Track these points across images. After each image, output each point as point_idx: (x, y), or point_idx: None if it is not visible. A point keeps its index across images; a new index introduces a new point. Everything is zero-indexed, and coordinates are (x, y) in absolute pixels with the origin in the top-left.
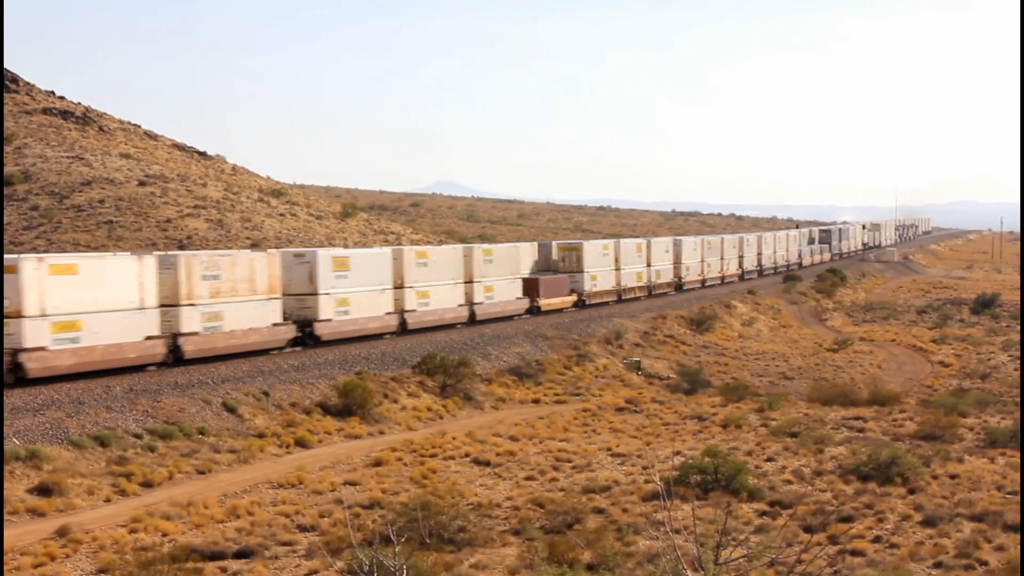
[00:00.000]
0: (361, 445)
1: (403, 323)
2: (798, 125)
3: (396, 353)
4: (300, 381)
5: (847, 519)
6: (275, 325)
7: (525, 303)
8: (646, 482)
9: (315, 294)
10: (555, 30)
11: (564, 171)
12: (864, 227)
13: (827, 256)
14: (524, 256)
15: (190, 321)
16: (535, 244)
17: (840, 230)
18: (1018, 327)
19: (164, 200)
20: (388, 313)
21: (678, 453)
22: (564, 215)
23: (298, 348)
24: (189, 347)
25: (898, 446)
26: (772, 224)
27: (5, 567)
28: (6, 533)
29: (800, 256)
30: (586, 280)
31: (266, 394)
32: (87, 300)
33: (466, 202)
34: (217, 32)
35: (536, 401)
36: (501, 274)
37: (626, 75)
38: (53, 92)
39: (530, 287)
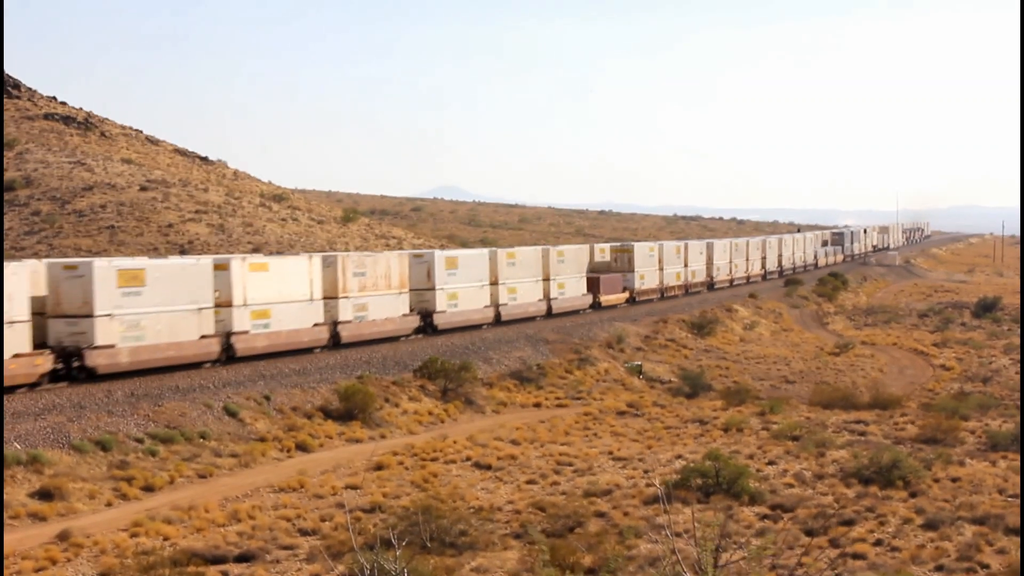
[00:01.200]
0: (362, 449)
1: (498, 315)
2: (799, 129)
3: (397, 357)
4: (301, 385)
5: (848, 522)
6: (404, 315)
7: (589, 299)
8: (647, 486)
9: (432, 289)
10: (556, 35)
11: (565, 175)
12: (874, 230)
13: (840, 257)
14: (585, 257)
15: (345, 311)
16: (587, 246)
17: (852, 233)
18: (1019, 331)
19: (166, 205)
20: (486, 306)
21: (679, 457)
22: (566, 219)
23: (420, 336)
24: (345, 333)
25: (899, 449)
26: (773, 228)
27: (6, 571)
28: (7, 537)
29: (816, 257)
30: (636, 279)
31: (267, 398)
32: (274, 293)
33: (468, 207)
34: (218, 37)
35: (537, 405)
36: (571, 272)
37: (628, 80)
38: (55, 98)
39: (592, 284)
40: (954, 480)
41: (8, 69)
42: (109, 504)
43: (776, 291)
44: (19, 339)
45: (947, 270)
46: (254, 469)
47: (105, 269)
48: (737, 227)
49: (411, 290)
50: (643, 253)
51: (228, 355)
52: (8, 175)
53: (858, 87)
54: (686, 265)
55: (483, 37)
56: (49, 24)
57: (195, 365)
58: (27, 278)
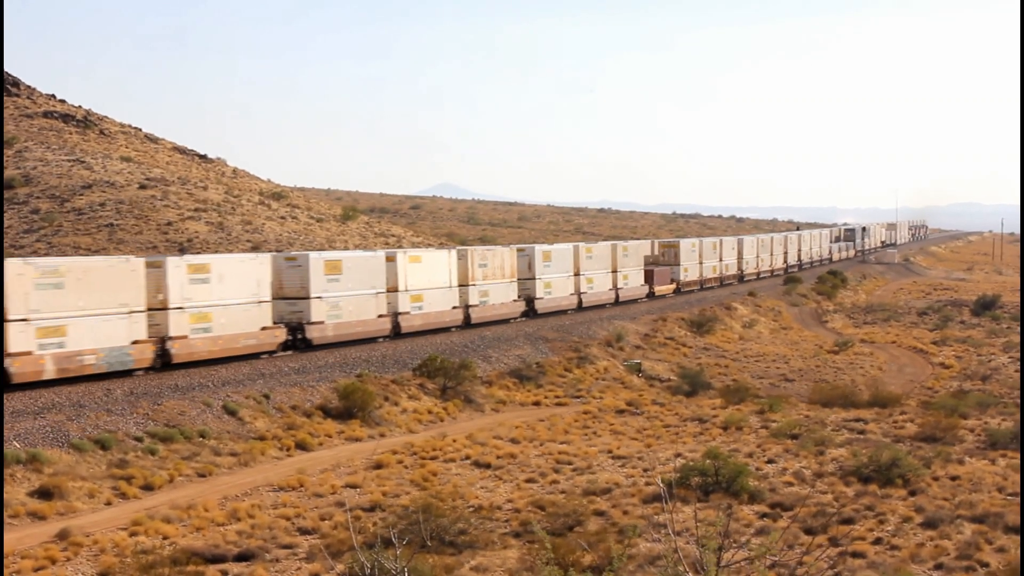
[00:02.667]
0: (362, 448)
1: (580, 302)
2: (798, 127)
3: (396, 355)
4: (301, 384)
5: (848, 521)
6: (514, 301)
7: (646, 289)
8: (647, 484)
9: (533, 278)
10: (555, 33)
11: (564, 174)
12: (882, 226)
13: (852, 252)
14: (644, 252)
15: (473, 296)
16: (648, 242)
17: (863, 229)
18: (1019, 329)
19: (165, 203)
20: (571, 294)
21: (679, 455)
22: (565, 217)
23: (524, 318)
24: (475, 315)
25: (899, 448)
26: (772, 226)
27: (6, 570)
28: (7, 536)
29: (830, 252)
30: (681, 271)
31: (267, 397)
32: (426, 280)
33: (466, 204)
34: (218, 36)
35: (537, 403)
36: (633, 265)
37: (627, 78)
38: (54, 95)
39: (647, 276)
40: (953, 478)
41: (7, 67)
42: (108, 503)
43: (775, 289)
44: (264, 316)
45: (946, 268)
46: (253, 468)
47: (316, 260)
48: (736, 225)
49: (518, 279)
50: (687, 249)
51: (395, 332)
52: (7, 173)
53: (857, 86)
54: (720, 259)
55: (482, 35)
56: (48, 22)
57: (372, 340)
58: (270, 266)
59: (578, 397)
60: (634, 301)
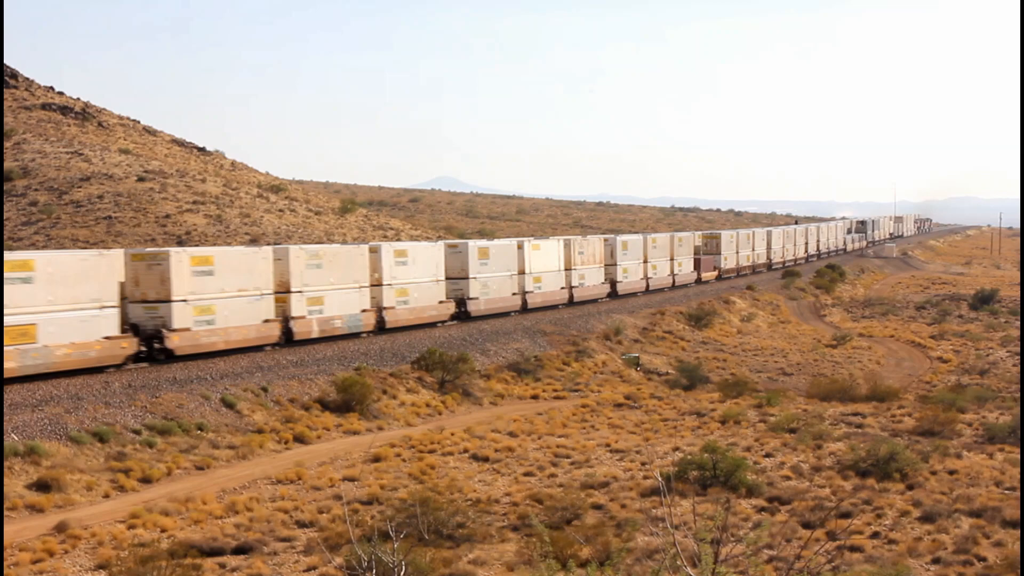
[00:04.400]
0: (360, 441)
1: (647, 285)
2: (796, 121)
3: (395, 348)
4: (299, 377)
5: (846, 515)
6: (601, 283)
7: (694, 275)
8: (645, 478)
9: (615, 264)
10: (555, 26)
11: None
12: (890, 219)
13: (864, 243)
14: (693, 243)
15: (575, 279)
16: (694, 233)
17: (873, 221)
18: (1017, 323)
19: (163, 196)
20: (641, 279)
21: (677, 449)
22: (563, 210)
23: (609, 299)
24: (576, 295)
25: (897, 442)
26: (771, 220)
27: (4, 563)
28: (5, 529)
29: (845, 243)
30: (722, 260)
31: (265, 390)
32: (542, 265)
33: (465, 198)
34: (216, 27)
35: (535, 397)
36: (684, 254)
37: (626, 71)
38: (52, 87)
39: (696, 264)
40: (951, 473)
41: (5, 59)
42: (106, 496)
43: (773, 283)
44: (440, 292)
45: (944, 262)
46: (251, 461)
47: (472, 247)
48: (735, 219)
49: (604, 265)
50: (727, 240)
51: (524, 308)
52: (5, 165)
53: (855, 80)
54: (753, 249)
55: (481, 27)
56: (47, 13)
57: (507, 314)
58: (443, 252)
59: (576, 391)
60: (685, 285)
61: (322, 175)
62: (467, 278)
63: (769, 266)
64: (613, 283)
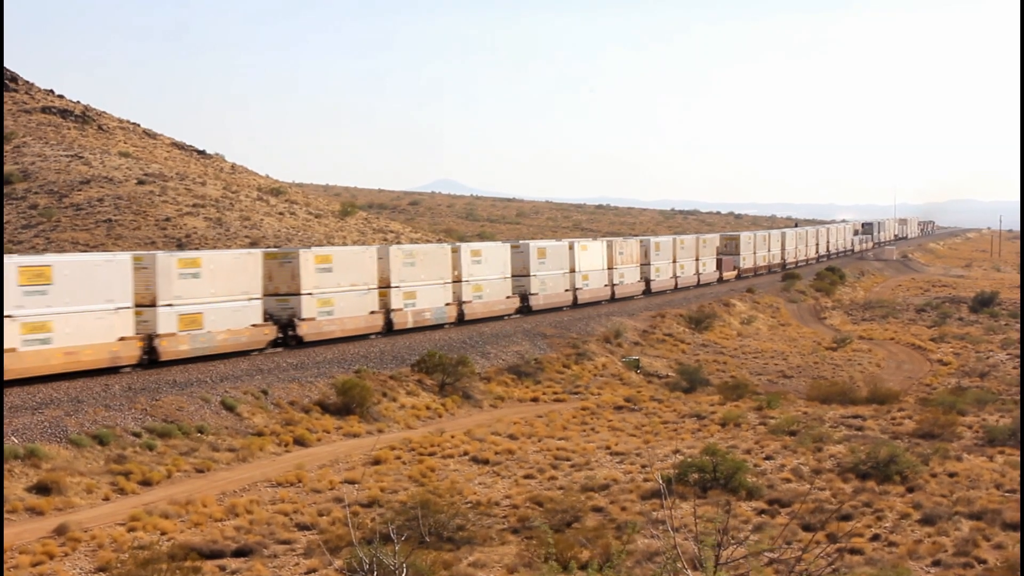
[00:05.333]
0: (360, 443)
1: (676, 283)
2: (796, 124)
3: (395, 351)
4: (299, 379)
5: (846, 517)
6: (637, 282)
7: (716, 275)
8: (645, 480)
9: (649, 264)
10: (554, 28)
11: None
12: (895, 221)
13: (870, 244)
14: (716, 243)
15: (616, 277)
16: (717, 235)
17: (879, 223)
18: (1017, 325)
19: (163, 199)
20: (670, 277)
21: (677, 451)
22: (563, 213)
23: (643, 296)
24: (617, 292)
25: (897, 444)
26: (771, 223)
27: (4, 565)
28: (5, 532)
29: (852, 244)
30: (741, 260)
31: (265, 392)
32: (589, 264)
33: (465, 200)
34: (216, 31)
35: (535, 399)
36: (708, 254)
37: (625, 74)
38: (52, 91)
39: (718, 264)
40: (951, 475)
41: (5, 62)
42: (106, 498)
43: (774, 286)
44: (507, 288)
45: (944, 264)
46: (251, 463)
47: (532, 247)
48: (735, 222)
49: (640, 264)
50: (745, 241)
51: (574, 303)
52: (5, 169)
53: (857, 82)
54: (769, 250)
55: (480, 30)
56: (47, 17)
57: (559, 308)
58: (509, 252)
59: (576, 393)
60: (708, 284)
61: (322, 178)
62: (528, 275)
63: (783, 266)
64: (648, 281)
